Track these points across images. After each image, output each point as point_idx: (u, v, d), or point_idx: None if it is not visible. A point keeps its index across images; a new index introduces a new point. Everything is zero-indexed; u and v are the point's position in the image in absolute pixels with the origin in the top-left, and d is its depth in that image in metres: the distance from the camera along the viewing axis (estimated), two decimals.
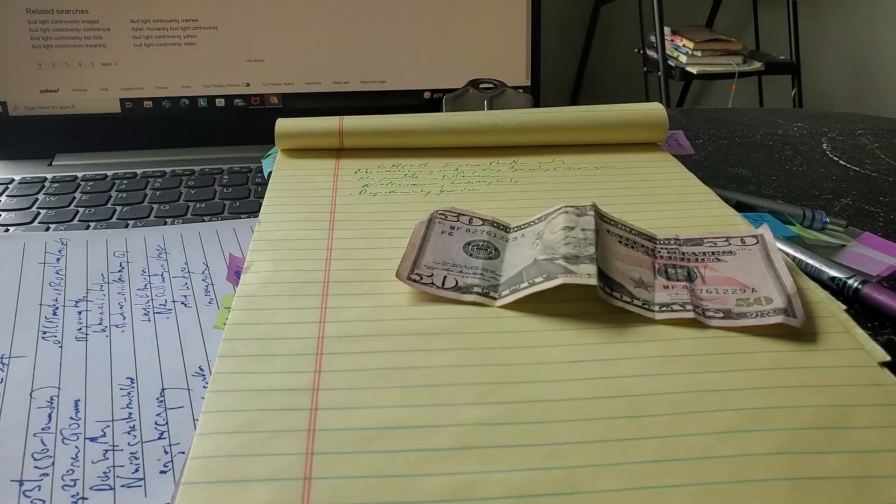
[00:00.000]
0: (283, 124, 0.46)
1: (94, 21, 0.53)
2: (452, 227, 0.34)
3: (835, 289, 0.42)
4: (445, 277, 0.31)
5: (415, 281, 0.30)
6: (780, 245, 0.45)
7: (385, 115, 0.47)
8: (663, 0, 2.15)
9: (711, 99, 2.70)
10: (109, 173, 0.52)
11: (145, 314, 0.34)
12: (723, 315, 0.29)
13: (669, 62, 2.17)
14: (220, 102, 0.56)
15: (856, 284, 0.41)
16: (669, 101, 2.14)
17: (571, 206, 0.34)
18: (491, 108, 0.54)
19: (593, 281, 0.29)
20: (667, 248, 0.34)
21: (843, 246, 0.46)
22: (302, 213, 0.38)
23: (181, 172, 0.52)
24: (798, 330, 0.28)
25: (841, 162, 0.61)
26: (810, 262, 0.43)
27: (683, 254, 0.33)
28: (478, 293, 0.30)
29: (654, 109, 0.47)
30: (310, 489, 0.21)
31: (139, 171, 0.52)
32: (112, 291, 0.35)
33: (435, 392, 0.25)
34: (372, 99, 0.58)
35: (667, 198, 0.40)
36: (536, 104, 0.60)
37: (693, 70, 2.14)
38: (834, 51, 2.41)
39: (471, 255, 0.33)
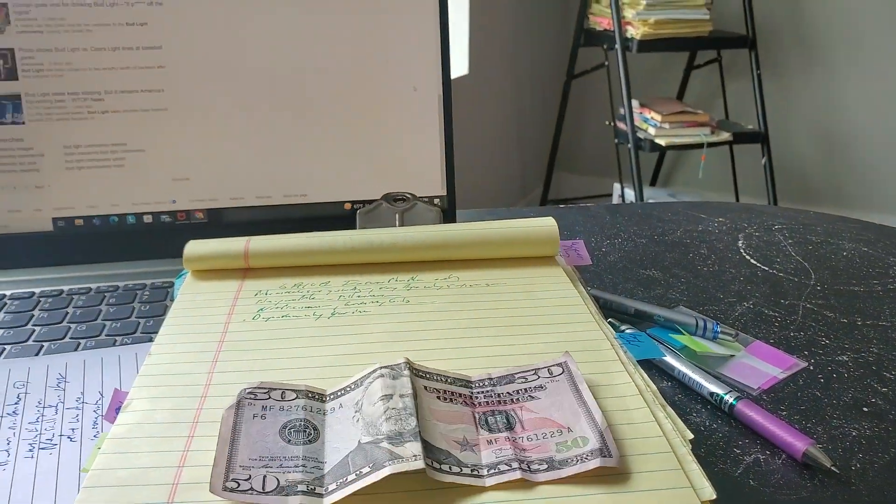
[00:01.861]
0: (191, 248, 0.48)
1: (28, 148, 0.56)
2: (265, 408, 0.32)
3: (714, 403, 0.44)
4: (265, 478, 0.28)
5: (232, 490, 0.27)
6: (668, 358, 0.47)
7: (291, 234, 0.49)
8: (633, 73, 2.21)
9: (686, 168, 2.75)
10: (37, 290, 0.54)
11: (30, 450, 0.35)
12: (547, 466, 0.29)
13: (639, 134, 2.23)
14: (147, 219, 0.59)
15: (731, 400, 0.42)
16: (640, 174, 2.18)
17: (386, 368, 0.34)
18: (402, 221, 0.56)
19: (420, 464, 0.28)
20: (483, 392, 0.34)
21: (732, 356, 0.48)
22: (192, 342, 0.40)
23: (105, 289, 0.54)
24: (630, 470, 0.29)
25: (752, 261, 0.63)
26: (692, 376, 0.45)
27: (499, 395, 0.33)
28: (303, 492, 0.28)
29: (547, 226, 0.49)
30: None
31: (66, 288, 0.54)
32: (4, 426, 0.37)
33: None
34: (295, 211, 0.61)
35: (543, 319, 0.42)
36: (452, 210, 0.63)
37: (662, 142, 2.19)
38: (800, 117, 2.47)
39: (289, 441, 0.31)
